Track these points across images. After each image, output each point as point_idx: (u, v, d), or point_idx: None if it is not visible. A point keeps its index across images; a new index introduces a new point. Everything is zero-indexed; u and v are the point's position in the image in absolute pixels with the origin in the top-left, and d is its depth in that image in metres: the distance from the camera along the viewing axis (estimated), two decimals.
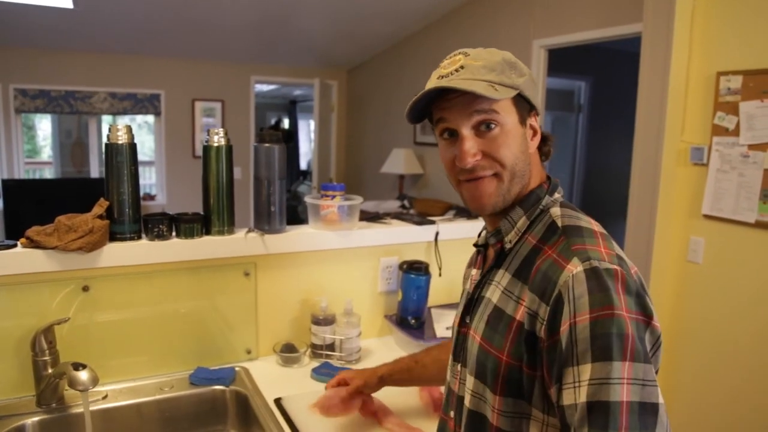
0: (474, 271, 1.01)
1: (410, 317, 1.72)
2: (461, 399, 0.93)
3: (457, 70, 0.85)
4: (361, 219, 1.78)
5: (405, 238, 1.80)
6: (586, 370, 0.69)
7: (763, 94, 2.27)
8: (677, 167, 2.57)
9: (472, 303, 0.95)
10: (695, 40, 2.51)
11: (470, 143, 0.85)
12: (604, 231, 0.85)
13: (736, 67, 2.37)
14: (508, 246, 0.90)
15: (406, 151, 5.28)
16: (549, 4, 3.87)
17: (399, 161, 5.26)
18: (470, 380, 0.90)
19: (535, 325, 0.77)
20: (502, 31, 4.28)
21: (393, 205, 4.73)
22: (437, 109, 0.89)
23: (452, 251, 1.86)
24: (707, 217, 2.50)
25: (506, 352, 0.81)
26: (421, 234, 1.82)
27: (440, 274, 1.84)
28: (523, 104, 0.88)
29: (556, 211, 0.89)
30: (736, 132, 2.37)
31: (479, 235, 1.04)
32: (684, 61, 2.53)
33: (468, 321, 0.95)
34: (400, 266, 1.75)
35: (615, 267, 0.74)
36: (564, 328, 0.72)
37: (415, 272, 1.71)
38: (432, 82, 0.88)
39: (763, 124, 2.28)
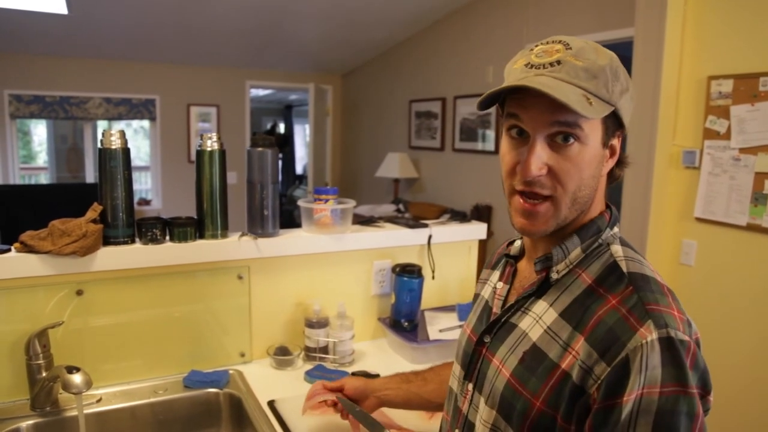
0: (499, 284, 0.93)
1: (403, 320, 1.73)
2: (471, 425, 0.87)
3: (552, 64, 0.74)
4: (355, 222, 1.79)
5: (398, 241, 1.81)
6: None
7: (753, 98, 2.30)
8: (669, 170, 2.59)
9: (496, 324, 0.87)
10: (686, 44, 2.54)
11: (540, 154, 0.75)
12: (664, 281, 0.77)
13: (727, 72, 2.39)
14: (554, 276, 0.81)
15: (401, 155, 5.29)
16: (542, 9, 3.89)
17: (394, 165, 5.28)
18: (486, 411, 0.83)
19: (586, 381, 0.71)
20: (495, 35, 4.31)
21: (388, 208, 4.74)
22: (513, 101, 0.77)
23: (445, 254, 1.87)
24: (699, 220, 2.52)
25: (542, 398, 0.75)
26: (414, 237, 1.83)
27: (433, 277, 1.86)
28: (612, 122, 0.77)
29: (617, 250, 0.79)
30: (727, 135, 2.39)
31: (511, 243, 0.96)
32: (675, 65, 2.55)
33: (487, 341, 0.87)
34: (393, 269, 1.76)
35: (687, 339, 0.70)
36: (630, 397, 0.66)
37: (408, 275, 1.72)
38: (517, 70, 0.77)
39: (753, 128, 2.30)
